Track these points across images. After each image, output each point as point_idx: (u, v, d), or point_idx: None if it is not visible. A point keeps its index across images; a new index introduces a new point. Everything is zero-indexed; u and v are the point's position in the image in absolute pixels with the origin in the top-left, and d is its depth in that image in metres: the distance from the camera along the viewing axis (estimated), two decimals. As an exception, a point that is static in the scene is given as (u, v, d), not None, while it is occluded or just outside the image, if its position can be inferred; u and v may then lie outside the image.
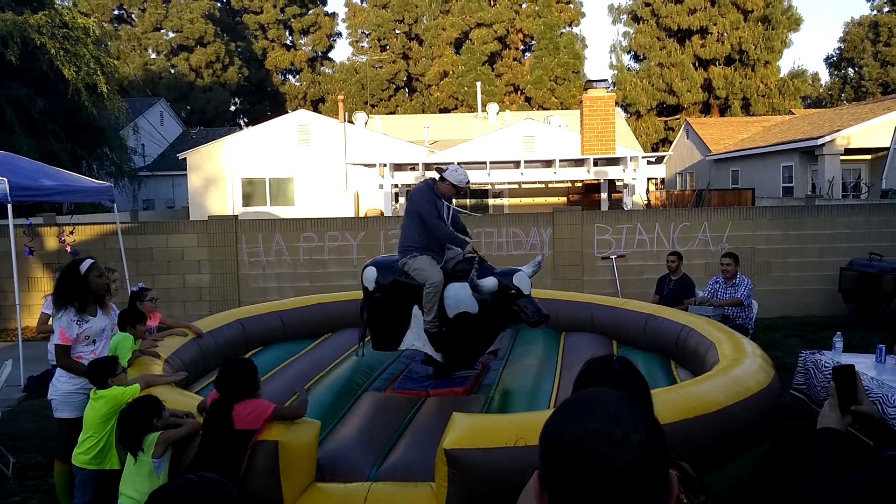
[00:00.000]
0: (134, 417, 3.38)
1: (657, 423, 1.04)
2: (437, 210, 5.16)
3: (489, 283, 4.68)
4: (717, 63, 36.55)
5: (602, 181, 16.09)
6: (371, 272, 5.40)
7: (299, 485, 3.31)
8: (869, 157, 19.85)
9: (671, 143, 33.67)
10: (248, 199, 22.07)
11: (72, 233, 9.86)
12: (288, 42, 51.37)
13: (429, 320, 5.12)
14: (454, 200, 5.53)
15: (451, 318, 5.06)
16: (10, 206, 7.11)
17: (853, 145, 18.65)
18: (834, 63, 44.31)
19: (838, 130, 18.75)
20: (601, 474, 0.95)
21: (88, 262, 4.16)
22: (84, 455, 3.69)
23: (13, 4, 17.55)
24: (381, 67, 48.27)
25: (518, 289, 4.72)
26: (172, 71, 45.91)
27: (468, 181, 5.37)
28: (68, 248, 9.24)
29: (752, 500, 3.97)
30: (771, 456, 4.34)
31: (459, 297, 4.98)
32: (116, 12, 46.75)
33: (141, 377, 4.07)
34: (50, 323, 4.95)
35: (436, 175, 5.41)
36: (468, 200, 18.44)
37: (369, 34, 49.68)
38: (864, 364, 5.11)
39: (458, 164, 14.85)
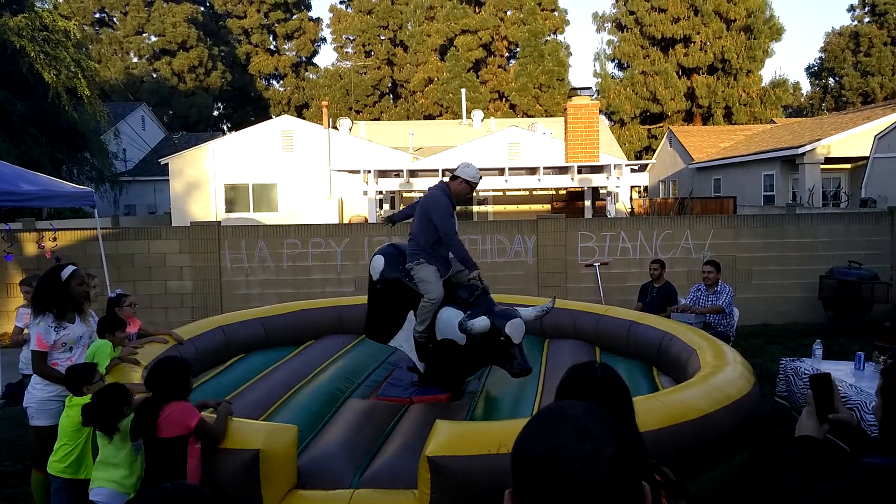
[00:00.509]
0: (104, 407, 3.34)
1: (628, 435, 1.03)
2: (455, 222, 5.09)
3: (480, 324, 4.51)
4: (699, 72, 36.99)
5: (586, 189, 16.18)
6: (378, 262, 5.34)
7: (280, 491, 3.28)
8: (849, 166, 20.15)
9: (654, 151, 33.97)
10: (231, 205, 21.93)
11: (54, 239, 9.74)
12: (272, 47, 51.24)
13: (420, 331, 5.10)
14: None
15: (438, 341, 5.01)
16: (-12, 210, 7.01)
17: (833, 154, 18.92)
18: (815, 73, 44.98)
19: (819, 140, 19.02)
20: (571, 491, 0.95)
21: (70, 268, 4.11)
22: (59, 463, 3.63)
23: (-7, 7, 17.36)
24: (365, 73, 48.28)
25: (508, 338, 4.54)
26: (154, 75, 45.57)
27: (481, 177, 5.34)
28: (48, 254, 9.12)
29: (734, 506, 3.99)
30: (752, 463, 4.38)
31: (451, 322, 4.82)
32: (98, 15, 46.35)
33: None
34: (25, 333, 4.88)
35: (443, 178, 5.42)
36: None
37: (354, 40, 49.71)
38: (843, 371, 5.17)
39: (444, 170, 14.73)
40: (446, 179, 5.37)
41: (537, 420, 1.05)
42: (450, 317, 4.87)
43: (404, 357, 5.56)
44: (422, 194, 5.46)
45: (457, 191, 5.17)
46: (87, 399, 3.56)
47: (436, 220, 4.96)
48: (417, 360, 5.26)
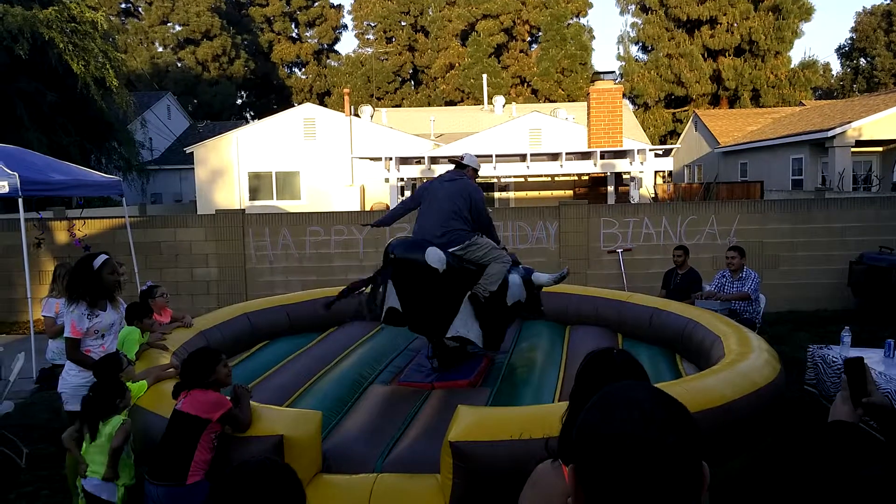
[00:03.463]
0: (96, 400, 3.46)
1: (691, 420, 1.06)
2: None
3: (544, 277, 5.47)
4: (726, 54, 36.26)
5: (609, 174, 16.02)
6: (439, 254, 4.95)
7: (305, 477, 3.34)
8: (880, 149, 19.69)
9: (679, 135, 33.48)
10: (254, 193, 22.13)
11: (80, 228, 9.93)
12: (294, 35, 51.36)
13: (492, 291, 5.14)
14: None
15: (510, 305, 5.30)
16: (20, 200, 7.17)
17: (864, 137, 18.48)
18: (845, 53, 43.89)
19: (849, 122, 18.59)
20: (638, 474, 0.98)
21: (102, 257, 4.18)
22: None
23: (22, -1, 17.61)
24: (386, 60, 48.19)
25: (541, 287, 5.59)
26: (179, 64, 45.99)
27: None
28: (77, 243, 9.31)
29: (757, 494, 3.97)
30: (776, 451, 4.34)
31: (519, 286, 5.39)
32: (123, 6, 46.81)
33: (148, 371, 4.11)
34: (59, 324, 5.00)
35: (451, 166, 5.48)
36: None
37: (375, 26, 49.59)
38: (872, 359, 5.09)
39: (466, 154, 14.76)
40: (458, 170, 5.43)
41: (604, 403, 1.07)
42: (516, 280, 5.35)
43: (426, 343, 5.58)
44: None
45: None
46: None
47: (482, 209, 5.30)
48: (477, 336, 5.20)
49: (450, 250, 5.02)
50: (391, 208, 5.86)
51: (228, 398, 3.32)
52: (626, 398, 1.06)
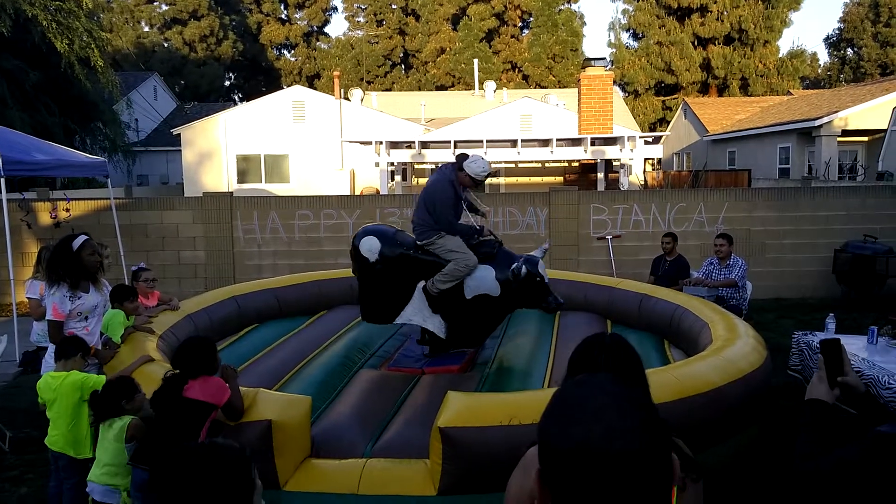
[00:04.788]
0: (101, 397, 3.37)
1: (657, 418, 1.02)
2: (460, 209, 5.24)
3: (527, 267, 4.96)
4: (716, 42, 36.25)
5: (599, 161, 16.03)
6: (373, 243, 5.24)
7: (294, 461, 3.33)
8: (866, 138, 19.83)
9: (669, 122, 33.52)
10: (242, 176, 21.94)
11: (67, 210, 9.80)
12: (283, 16, 50.73)
13: (442, 289, 5.11)
14: None
15: (469, 299, 5.13)
16: (2, 180, 7.06)
17: (850, 127, 18.61)
18: (833, 43, 44.01)
19: (836, 112, 18.69)
20: (604, 485, 0.95)
21: (81, 238, 4.12)
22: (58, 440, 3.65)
23: (4, -25, 17.22)
24: (377, 43, 47.76)
25: (542, 277, 5.00)
26: (166, 45, 45.33)
27: (488, 173, 5.24)
28: (53, 218, 9.21)
29: (744, 478, 4.01)
30: (762, 435, 4.39)
31: (484, 279, 5.12)
32: (109, -16, 46.00)
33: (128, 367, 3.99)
34: (43, 306, 4.93)
35: (451, 159, 5.40)
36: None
37: (365, 9, 49.09)
38: (856, 345, 5.14)
39: (456, 142, 14.61)
40: (452, 161, 5.36)
41: (562, 412, 1.02)
42: (482, 273, 5.12)
43: (416, 329, 5.58)
44: (433, 167, 5.51)
45: (462, 181, 5.22)
46: (72, 376, 3.58)
47: (435, 216, 5.10)
48: (437, 328, 5.26)
49: (419, 242, 5.20)
50: None
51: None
52: (587, 407, 1.01)
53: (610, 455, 0.95)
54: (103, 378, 3.71)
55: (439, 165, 5.50)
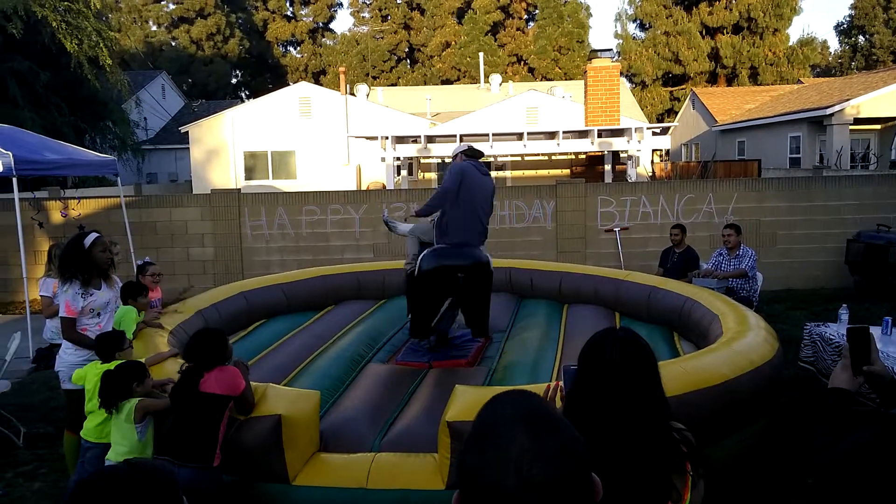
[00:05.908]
0: (114, 379, 3.40)
1: (576, 439, 1.02)
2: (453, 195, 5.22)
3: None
4: (724, 31, 35.92)
5: (606, 153, 15.95)
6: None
7: (303, 456, 3.34)
8: (878, 126, 19.61)
9: (677, 113, 33.30)
10: (250, 173, 22.01)
11: (74, 208, 9.86)
12: (289, 13, 50.73)
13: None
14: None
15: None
16: (14, 179, 7.12)
17: (862, 115, 18.40)
18: (844, 31, 43.56)
19: (848, 100, 18.49)
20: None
21: (93, 236, 4.16)
22: (90, 427, 3.71)
23: (14, -23, 17.30)
24: (382, 38, 47.71)
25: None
26: (173, 43, 45.46)
27: (468, 148, 5.41)
28: (65, 215, 9.28)
29: (756, 470, 3.99)
30: (774, 428, 4.36)
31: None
32: (116, -17, 46.14)
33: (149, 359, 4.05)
34: (56, 303, 4.97)
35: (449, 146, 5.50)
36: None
37: (370, 4, 49.03)
38: (868, 336, 5.08)
39: (462, 136, 14.59)
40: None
41: (478, 444, 1.02)
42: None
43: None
44: (439, 160, 5.58)
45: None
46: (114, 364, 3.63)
47: (442, 186, 5.27)
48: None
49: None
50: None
51: None
52: (502, 438, 1.00)
53: (522, 498, 0.95)
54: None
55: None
